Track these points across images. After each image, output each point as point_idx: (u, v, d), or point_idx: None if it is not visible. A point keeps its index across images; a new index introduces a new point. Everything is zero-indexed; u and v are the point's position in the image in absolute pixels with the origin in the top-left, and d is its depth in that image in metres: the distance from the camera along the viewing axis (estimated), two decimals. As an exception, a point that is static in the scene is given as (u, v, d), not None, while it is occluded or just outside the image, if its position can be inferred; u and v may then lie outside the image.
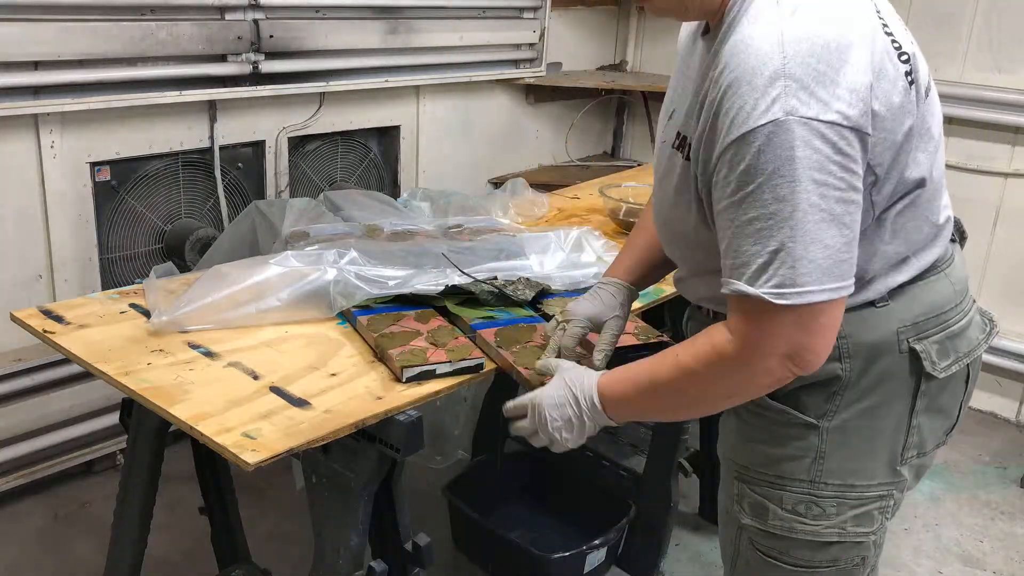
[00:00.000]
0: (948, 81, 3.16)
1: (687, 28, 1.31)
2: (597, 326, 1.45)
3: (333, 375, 1.42)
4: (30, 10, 2.19)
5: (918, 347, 1.20)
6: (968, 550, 2.56)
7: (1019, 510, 2.77)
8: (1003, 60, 3.08)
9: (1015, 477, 2.93)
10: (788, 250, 1.02)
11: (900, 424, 1.23)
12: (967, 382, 1.29)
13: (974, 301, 1.32)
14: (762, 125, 1.01)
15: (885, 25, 1.12)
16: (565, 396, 1.27)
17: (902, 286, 1.20)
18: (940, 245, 1.24)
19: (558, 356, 1.41)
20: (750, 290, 1.05)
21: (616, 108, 4.06)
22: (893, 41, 1.11)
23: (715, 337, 1.12)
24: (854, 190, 1.05)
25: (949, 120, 3.21)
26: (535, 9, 3.43)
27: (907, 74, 1.11)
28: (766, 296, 1.04)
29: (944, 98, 3.55)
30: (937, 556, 2.52)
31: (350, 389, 1.38)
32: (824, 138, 1.01)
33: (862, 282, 1.16)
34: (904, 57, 1.11)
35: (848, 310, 1.14)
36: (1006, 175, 3.16)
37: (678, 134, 1.21)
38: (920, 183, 1.16)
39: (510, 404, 1.34)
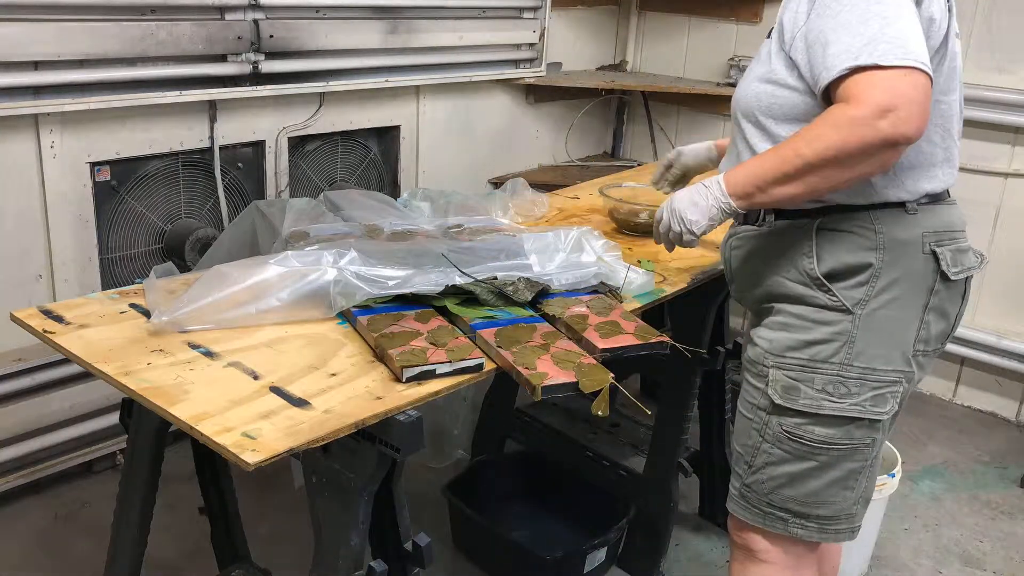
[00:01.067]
0: (948, 81, 3.16)
1: None
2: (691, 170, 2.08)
3: (333, 375, 1.42)
4: (30, 10, 2.19)
5: (938, 250, 1.45)
6: (968, 550, 2.56)
7: (1019, 510, 2.77)
8: (1003, 60, 3.08)
9: (1015, 477, 2.93)
10: (884, 33, 1.28)
11: (915, 317, 1.46)
12: (963, 296, 1.53)
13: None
14: None
15: None
16: (694, 190, 1.55)
17: (926, 203, 1.46)
18: (952, 171, 1.50)
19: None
20: (861, 60, 1.28)
21: (616, 108, 4.06)
22: None
23: (829, 115, 1.33)
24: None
25: (949, 120, 3.21)
26: (535, 9, 3.43)
27: None
28: (878, 61, 1.27)
29: (944, 98, 3.42)
30: (937, 556, 2.52)
31: (350, 389, 1.38)
32: None
33: (902, 173, 1.43)
34: None
35: (886, 206, 1.44)
36: (1006, 175, 3.16)
37: (769, 32, 1.51)
38: (950, 87, 1.45)
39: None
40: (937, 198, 1.50)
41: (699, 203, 1.53)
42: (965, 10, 3.11)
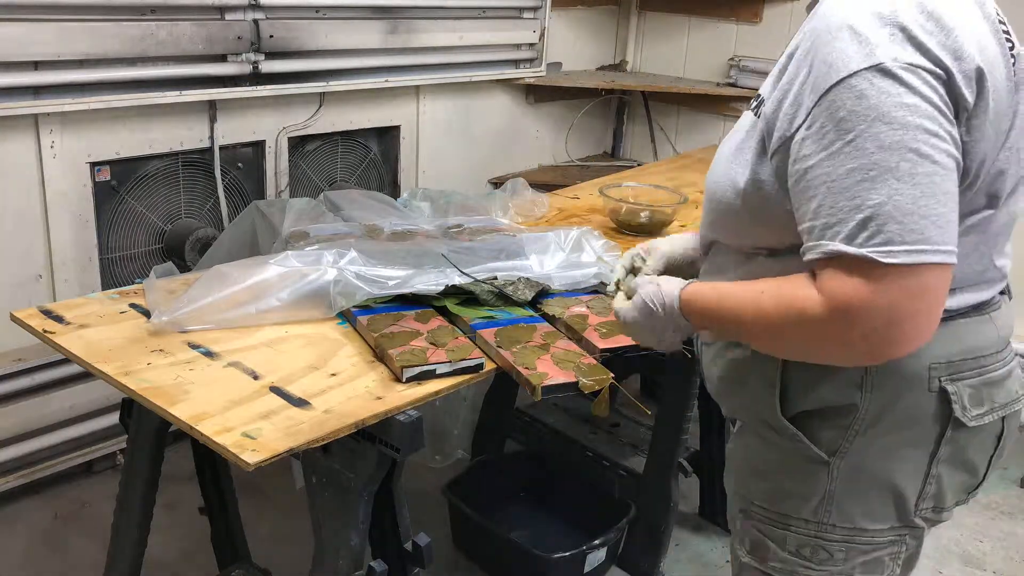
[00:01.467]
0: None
1: None
2: (672, 265, 1.35)
3: (333, 375, 1.42)
4: (30, 10, 2.19)
5: (950, 388, 1.09)
6: (968, 550, 2.56)
7: (1019, 510, 2.77)
8: (1003, 60, 3.08)
9: (1015, 477, 2.93)
10: (896, 204, 0.91)
11: (918, 470, 1.12)
12: (1000, 438, 1.17)
13: (1018, 356, 1.20)
14: (867, 68, 0.93)
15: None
16: (647, 314, 1.19)
17: (944, 319, 1.01)
18: (991, 288, 1.14)
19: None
20: (850, 249, 0.92)
21: (616, 108, 4.06)
22: (1000, 20, 1.05)
23: (800, 292, 0.99)
24: (958, 149, 0.95)
25: (949, 120, 3.21)
26: (535, 9, 3.43)
27: (1011, 50, 1.03)
28: (870, 254, 0.91)
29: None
30: (937, 556, 2.52)
31: (350, 389, 1.38)
32: (932, 87, 0.93)
33: None
34: (1007, 34, 1.04)
35: None
36: (1006, 175, 3.16)
37: (757, 95, 1.13)
38: (995, 200, 1.06)
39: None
40: (966, 313, 1.11)
41: (656, 327, 1.19)
42: (965, 10, 3.11)
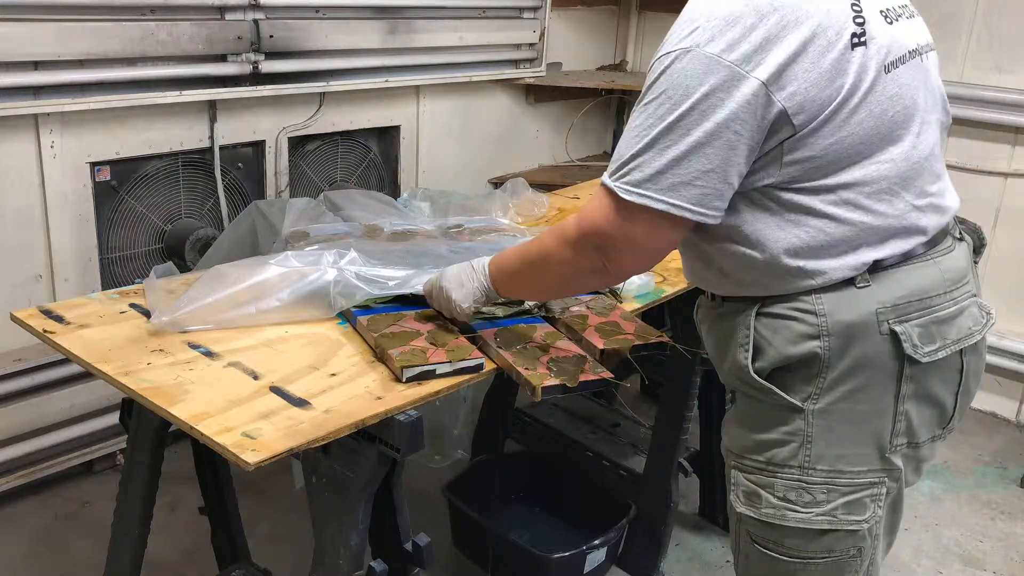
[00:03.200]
0: (948, 81, 3.14)
1: None
2: None
3: (333, 375, 1.42)
4: (30, 10, 2.19)
5: (898, 328, 1.20)
6: (968, 550, 2.56)
7: (1019, 510, 2.77)
8: (1003, 60, 3.08)
9: (1015, 477, 2.93)
10: (648, 157, 1.15)
11: (886, 409, 1.24)
12: (961, 372, 1.28)
13: (974, 296, 1.32)
14: (673, 50, 1.16)
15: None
16: (463, 270, 1.49)
17: (886, 268, 1.22)
18: (923, 231, 1.25)
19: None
20: (607, 180, 1.19)
21: (616, 108, 4.06)
22: (854, 5, 1.18)
23: (565, 220, 1.28)
24: (738, 131, 1.13)
25: (949, 120, 3.21)
26: (535, 9, 3.43)
27: (855, 35, 1.16)
28: (613, 187, 1.18)
29: (944, 98, 3.40)
30: (937, 556, 2.52)
31: (350, 389, 1.38)
32: (720, 73, 1.12)
33: (825, 254, 1.20)
34: (859, 19, 1.17)
35: (828, 289, 1.21)
36: (1006, 175, 3.16)
37: None
38: (869, 151, 1.19)
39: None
40: (905, 258, 1.24)
41: (465, 284, 1.47)
42: (965, 10, 3.11)
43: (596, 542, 2.16)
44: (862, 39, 1.16)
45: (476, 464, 2.54)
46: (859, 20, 1.17)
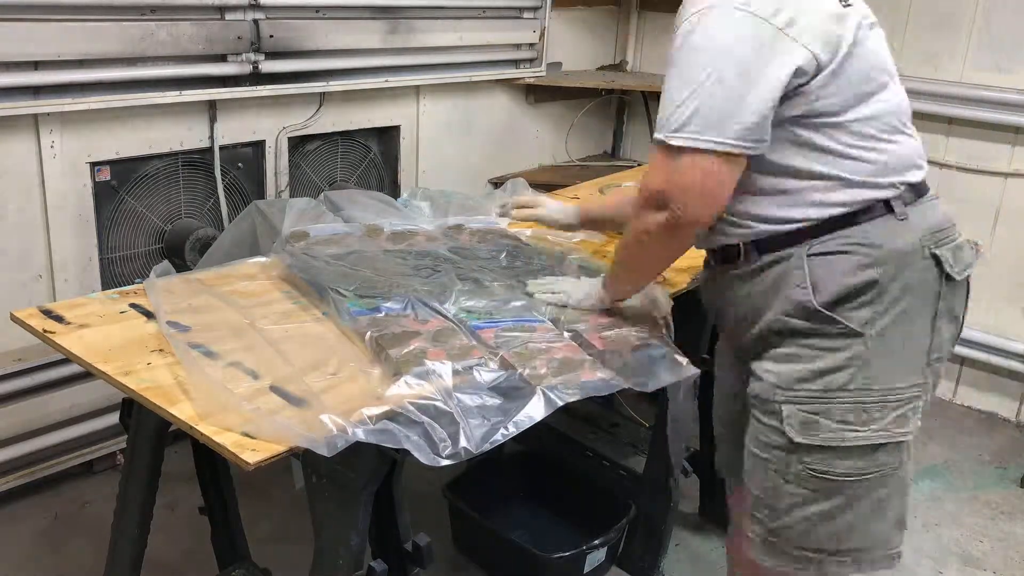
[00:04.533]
0: (948, 81, 3.16)
1: None
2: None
3: (333, 375, 1.42)
4: (30, 10, 2.19)
5: (939, 252, 1.39)
6: (968, 550, 2.56)
7: (1019, 510, 2.77)
8: (1003, 60, 3.08)
9: (1015, 477, 2.93)
10: (686, 101, 1.29)
11: (926, 326, 1.40)
12: (967, 293, 1.48)
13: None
14: (700, 10, 1.31)
15: None
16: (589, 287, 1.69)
17: (912, 203, 1.40)
18: (923, 169, 1.45)
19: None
20: (657, 135, 1.33)
21: (616, 108, 4.06)
22: None
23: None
24: (768, 65, 1.29)
25: (949, 120, 3.21)
26: (535, 9, 3.43)
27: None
28: (662, 138, 1.31)
29: (944, 98, 3.53)
30: (937, 556, 2.52)
31: (350, 389, 1.38)
32: (747, 20, 1.28)
33: (874, 173, 1.38)
34: None
35: (875, 217, 1.38)
36: (1006, 175, 3.16)
37: None
38: (872, 90, 1.38)
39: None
40: (920, 194, 1.43)
41: (591, 295, 1.67)
42: (965, 10, 3.11)
43: (596, 542, 2.16)
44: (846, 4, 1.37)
45: (476, 464, 2.54)
46: None
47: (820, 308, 1.37)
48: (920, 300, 1.39)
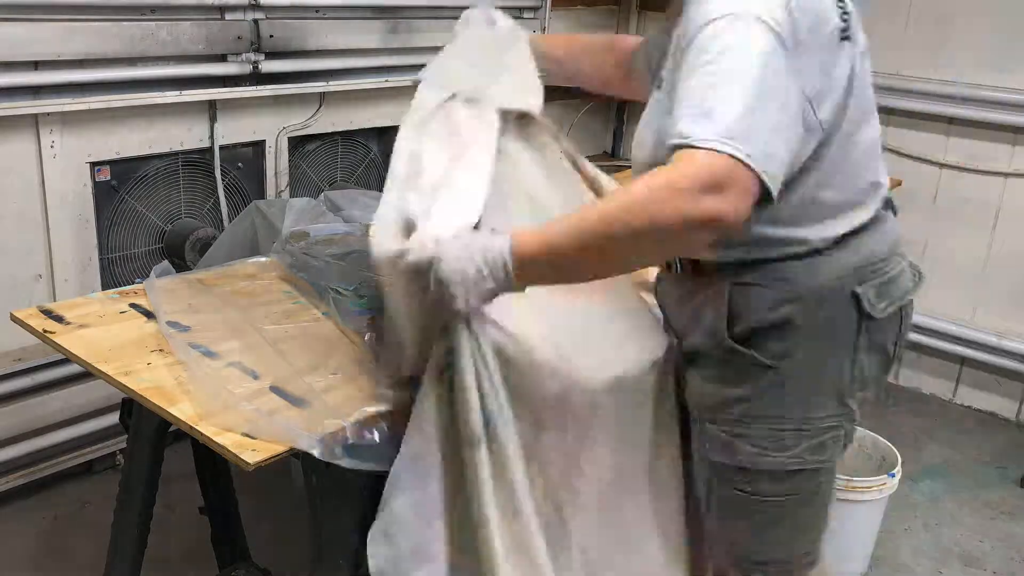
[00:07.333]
0: (947, 81, 3.16)
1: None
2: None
3: (333, 375, 1.42)
4: (30, 10, 2.19)
5: (859, 290, 1.36)
6: (968, 550, 2.56)
7: (1019, 510, 2.77)
8: (1003, 60, 3.08)
9: (1015, 477, 2.93)
10: (721, 111, 1.14)
11: (846, 359, 1.39)
12: (901, 323, 1.45)
13: (906, 259, 1.47)
14: (723, 16, 1.18)
15: None
16: (471, 254, 1.20)
17: (845, 236, 1.36)
18: (874, 205, 1.40)
19: None
20: (727, 142, 1.14)
21: (616, 108, 4.05)
22: None
23: (647, 175, 1.16)
24: (793, 79, 1.20)
25: (949, 120, 3.21)
26: (535, 9, 3.43)
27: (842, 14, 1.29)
28: (729, 151, 1.13)
29: (944, 98, 3.52)
30: (937, 556, 2.52)
31: (350, 389, 1.38)
32: (772, 31, 1.17)
33: (804, 223, 1.33)
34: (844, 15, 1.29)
35: (798, 258, 1.34)
36: (1006, 175, 3.16)
37: (653, 78, 1.46)
38: (864, 119, 1.34)
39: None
40: (858, 230, 1.38)
41: (476, 279, 1.20)
42: (966, 10, 3.11)
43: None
44: (846, 34, 1.29)
45: (476, 464, 2.53)
46: (844, 16, 1.29)
47: (730, 342, 1.37)
48: (838, 335, 1.38)
